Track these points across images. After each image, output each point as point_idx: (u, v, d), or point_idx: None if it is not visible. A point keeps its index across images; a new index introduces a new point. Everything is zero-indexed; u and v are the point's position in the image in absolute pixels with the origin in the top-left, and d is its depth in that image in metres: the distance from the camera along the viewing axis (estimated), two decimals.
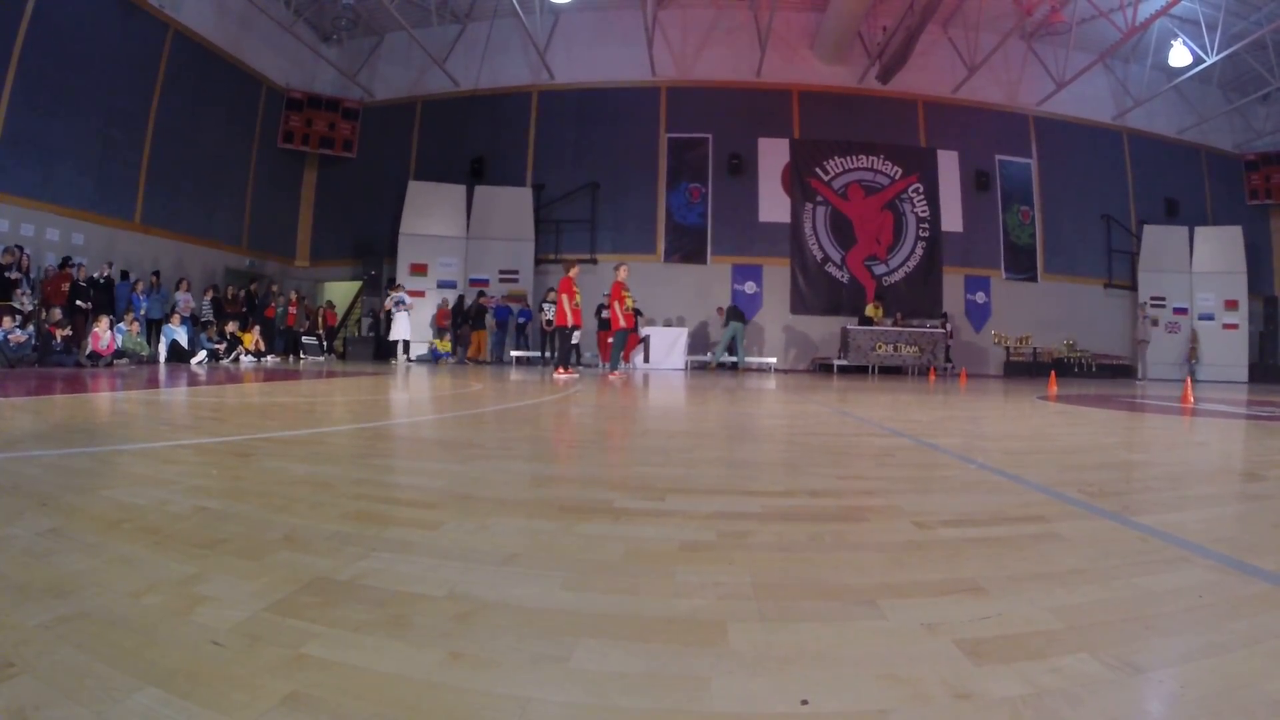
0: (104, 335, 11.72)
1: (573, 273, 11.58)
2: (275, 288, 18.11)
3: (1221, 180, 21.17)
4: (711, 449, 3.70)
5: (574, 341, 12.09)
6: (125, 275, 14.76)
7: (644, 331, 17.27)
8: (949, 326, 18.59)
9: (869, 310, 18.36)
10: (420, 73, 20.49)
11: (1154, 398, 9.61)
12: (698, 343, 18.85)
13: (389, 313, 17.12)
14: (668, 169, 19.74)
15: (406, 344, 16.89)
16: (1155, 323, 15.64)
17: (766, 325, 19.34)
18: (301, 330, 18.04)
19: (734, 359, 17.84)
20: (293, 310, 17.94)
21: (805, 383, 12.34)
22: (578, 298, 11.67)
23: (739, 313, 17.87)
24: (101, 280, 13.63)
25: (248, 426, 4.04)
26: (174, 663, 1.04)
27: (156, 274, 15.27)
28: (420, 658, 1.08)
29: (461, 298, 18.55)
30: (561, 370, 11.25)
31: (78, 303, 12.96)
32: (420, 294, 18.51)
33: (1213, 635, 1.23)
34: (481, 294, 18.42)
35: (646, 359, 17.46)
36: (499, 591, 1.38)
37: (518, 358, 18.47)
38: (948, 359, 18.21)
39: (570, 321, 11.51)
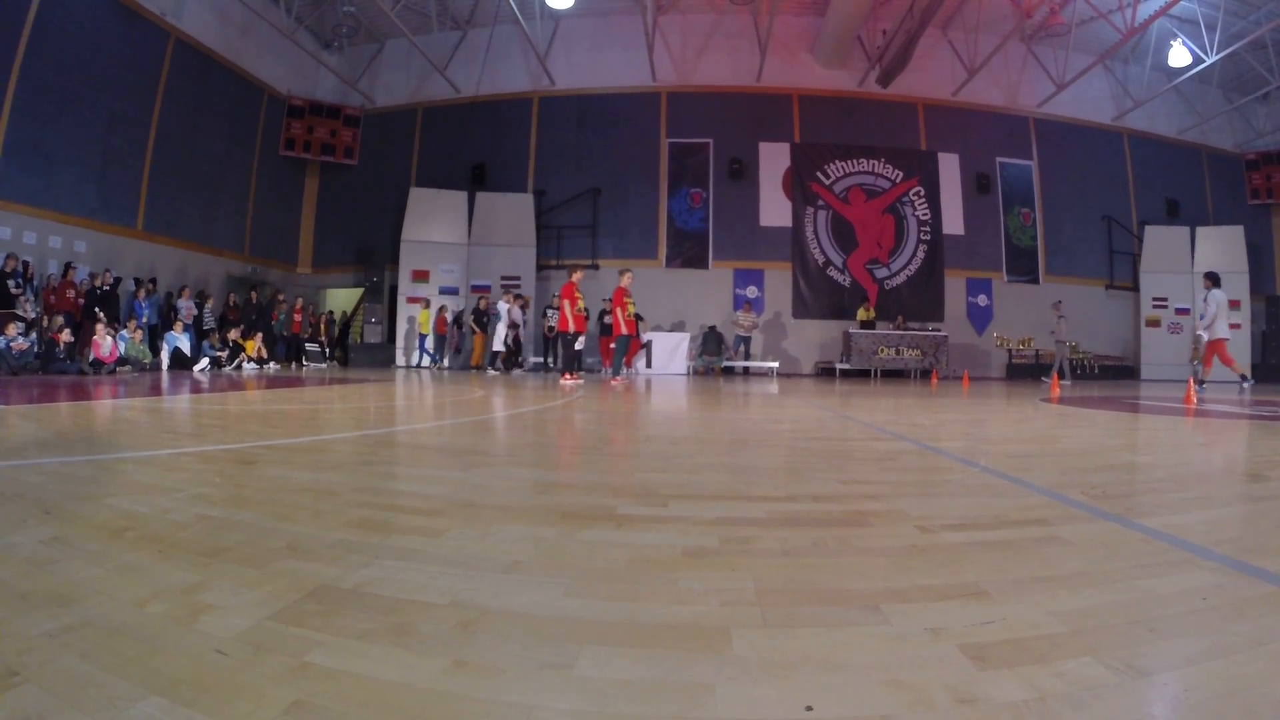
0: (104, 342, 11.76)
1: (576, 277, 11.43)
2: (280, 295, 18.13)
3: (1222, 180, 21.16)
4: (714, 454, 3.70)
5: (578, 347, 12.01)
6: (139, 283, 14.83)
7: (646, 337, 17.28)
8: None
9: (860, 313, 18.38)
10: (421, 79, 20.54)
11: (1154, 399, 9.59)
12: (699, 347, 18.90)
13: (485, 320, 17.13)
14: (669, 174, 19.75)
15: (496, 355, 16.83)
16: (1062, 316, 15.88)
17: (768, 329, 19.33)
18: (305, 337, 18.08)
19: (724, 363, 18.15)
20: (297, 317, 17.99)
21: (807, 386, 12.34)
22: (580, 303, 11.59)
23: (715, 337, 18.23)
24: (106, 288, 13.65)
25: (250, 434, 4.05)
26: (178, 671, 1.04)
27: (153, 281, 15.30)
28: (424, 666, 1.08)
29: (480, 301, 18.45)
30: (567, 376, 11.20)
31: (96, 309, 13.00)
32: (422, 300, 18.53)
33: (1216, 638, 1.22)
34: (481, 299, 18.32)
35: (649, 364, 17.47)
36: (502, 599, 1.38)
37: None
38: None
39: (572, 327, 11.42)
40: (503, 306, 16.83)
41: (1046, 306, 19.40)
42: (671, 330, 18.61)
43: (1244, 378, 11.76)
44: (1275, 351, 19.48)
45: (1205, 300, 11.89)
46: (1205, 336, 11.84)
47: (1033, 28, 18.73)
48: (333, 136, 20.53)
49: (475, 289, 18.74)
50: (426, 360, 18.22)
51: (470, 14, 20.02)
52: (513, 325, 16.91)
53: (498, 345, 16.69)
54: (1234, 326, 19.05)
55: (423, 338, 18.14)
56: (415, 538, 1.80)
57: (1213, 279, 12.09)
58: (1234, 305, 19.23)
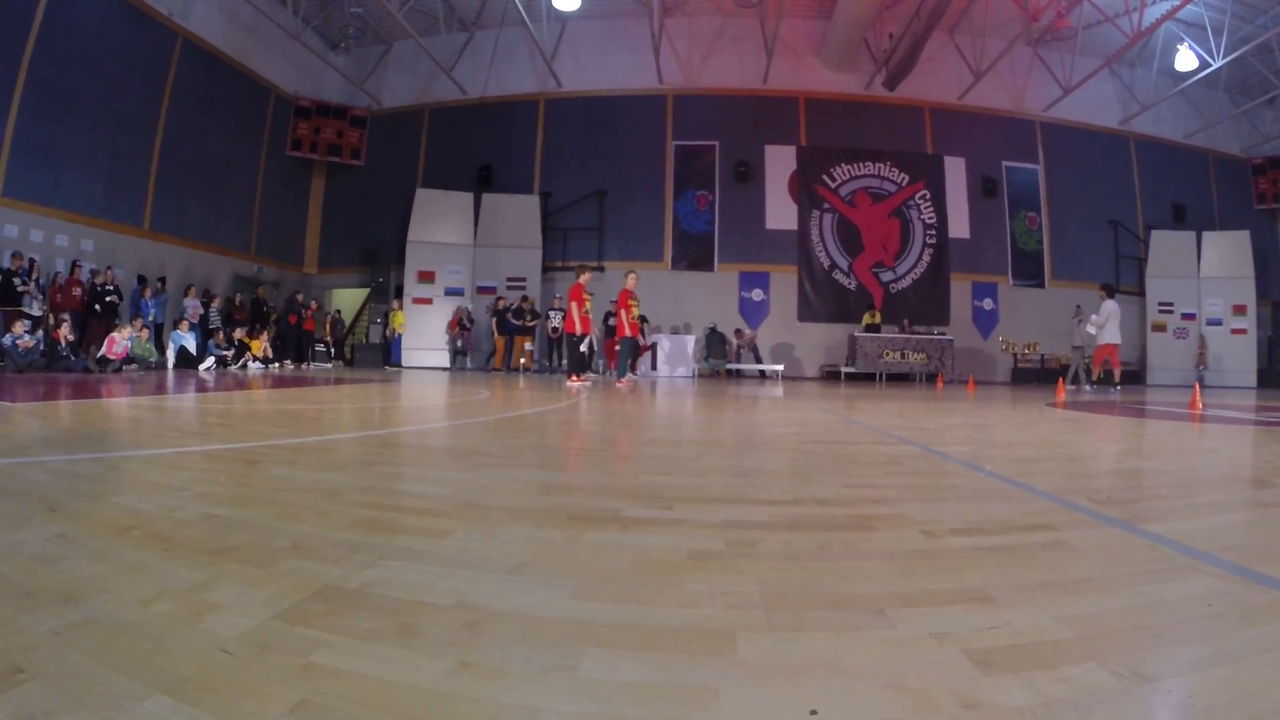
0: (120, 340, 11.83)
1: (583, 278, 11.42)
2: (300, 296, 18.15)
3: (1229, 185, 21.11)
4: (719, 457, 3.70)
5: (583, 349, 11.99)
6: (143, 280, 14.90)
7: (651, 339, 17.28)
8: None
9: (866, 318, 18.36)
10: (428, 81, 20.59)
11: (1160, 404, 9.56)
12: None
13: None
14: (675, 176, 19.77)
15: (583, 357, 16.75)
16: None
17: (774, 332, 19.33)
18: (318, 336, 18.12)
19: (727, 364, 18.11)
20: (310, 316, 18.05)
21: (813, 390, 12.33)
22: (588, 305, 11.57)
23: (719, 340, 18.08)
24: (110, 286, 13.70)
25: (255, 433, 4.05)
26: (183, 670, 1.04)
27: (162, 280, 15.36)
28: (429, 667, 1.08)
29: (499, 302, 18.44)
30: (574, 378, 11.16)
31: (96, 306, 13.08)
32: (428, 301, 18.56)
33: (1222, 644, 1.22)
34: (499, 299, 18.23)
35: (654, 367, 17.47)
36: (507, 600, 1.38)
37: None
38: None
39: (579, 329, 11.40)
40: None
41: (1052, 311, 19.42)
42: (675, 333, 18.56)
43: (1116, 385, 13.12)
44: None
45: (1099, 309, 13.27)
46: (1089, 336, 13.27)
47: (1039, 31, 18.74)
48: (339, 137, 20.58)
49: (481, 290, 18.76)
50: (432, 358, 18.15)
51: (477, 16, 20.06)
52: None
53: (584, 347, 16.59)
54: (1240, 332, 19.18)
55: (398, 338, 18.00)
56: (420, 538, 1.80)
57: (1108, 290, 13.66)
58: (1240, 310, 19.30)
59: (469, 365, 18.34)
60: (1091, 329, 13.27)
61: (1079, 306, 16.79)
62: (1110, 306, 13.11)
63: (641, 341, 16.64)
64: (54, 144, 13.32)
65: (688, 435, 4.83)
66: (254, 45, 18.18)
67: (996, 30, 18.34)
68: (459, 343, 18.25)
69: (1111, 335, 13.06)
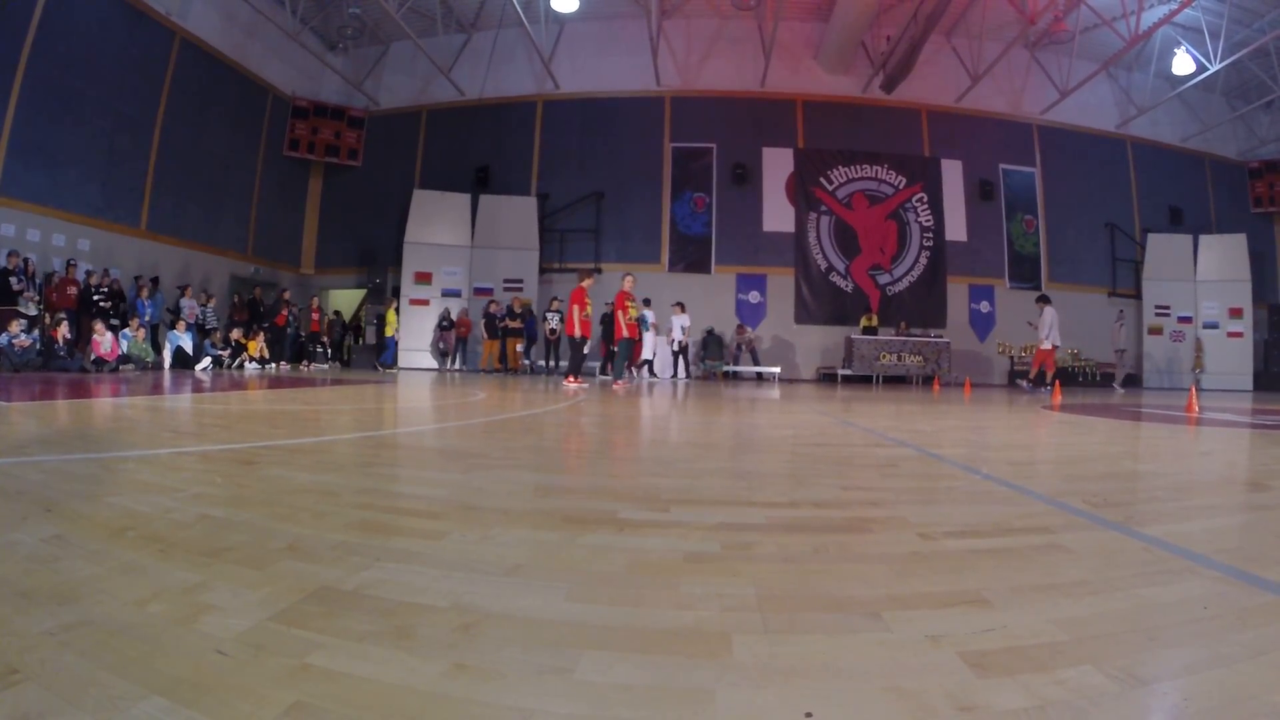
0: (104, 340, 11.79)
1: (586, 283, 11.48)
2: (287, 294, 18.13)
3: (1225, 188, 21.15)
4: (715, 459, 3.70)
5: (585, 351, 12.02)
6: (138, 280, 14.87)
7: (648, 341, 17.26)
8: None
9: (863, 321, 18.38)
10: (426, 82, 20.56)
11: (1157, 407, 9.58)
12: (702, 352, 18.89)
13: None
14: (672, 178, 19.76)
15: (648, 362, 16.94)
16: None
17: (771, 335, 19.33)
18: (319, 336, 18.09)
19: (725, 367, 18.14)
20: (315, 316, 18.00)
21: (809, 392, 12.34)
22: (588, 309, 11.62)
23: (717, 342, 18.17)
24: (105, 288, 13.67)
25: (251, 434, 4.05)
26: (178, 671, 1.04)
27: (155, 280, 15.31)
28: (424, 669, 1.08)
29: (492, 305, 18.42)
30: (571, 380, 11.19)
31: (95, 298, 13.06)
32: (424, 302, 18.53)
33: (1217, 647, 1.22)
34: (492, 302, 18.28)
35: (651, 370, 17.46)
36: (503, 602, 1.38)
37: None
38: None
39: (578, 332, 11.44)
40: (676, 320, 17.02)
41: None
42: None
43: (1047, 385, 13.69)
44: (1277, 359, 19.47)
45: (1040, 316, 14.23)
46: (1046, 344, 14.09)
47: (1037, 35, 18.78)
48: (337, 138, 20.54)
49: (479, 291, 18.73)
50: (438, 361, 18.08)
51: (475, 17, 20.05)
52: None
53: (647, 353, 16.61)
54: (1236, 335, 19.22)
55: (391, 339, 17.99)
56: (416, 540, 1.80)
57: (1044, 299, 14.64)
58: (1236, 314, 19.34)
59: (451, 366, 18.28)
60: (1045, 334, 14.10)
61: (1121, 311, 16.85)
62: (1049, 313, 14.09)
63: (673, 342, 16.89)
64: (51, 143, 13.28)
65: (684, 437, 4.83)
66: (252, 45, 18.15)
67: (994, 33, 18.38)
68: (441, 344, 18.20)
69: (1052, 340, 14.06)
